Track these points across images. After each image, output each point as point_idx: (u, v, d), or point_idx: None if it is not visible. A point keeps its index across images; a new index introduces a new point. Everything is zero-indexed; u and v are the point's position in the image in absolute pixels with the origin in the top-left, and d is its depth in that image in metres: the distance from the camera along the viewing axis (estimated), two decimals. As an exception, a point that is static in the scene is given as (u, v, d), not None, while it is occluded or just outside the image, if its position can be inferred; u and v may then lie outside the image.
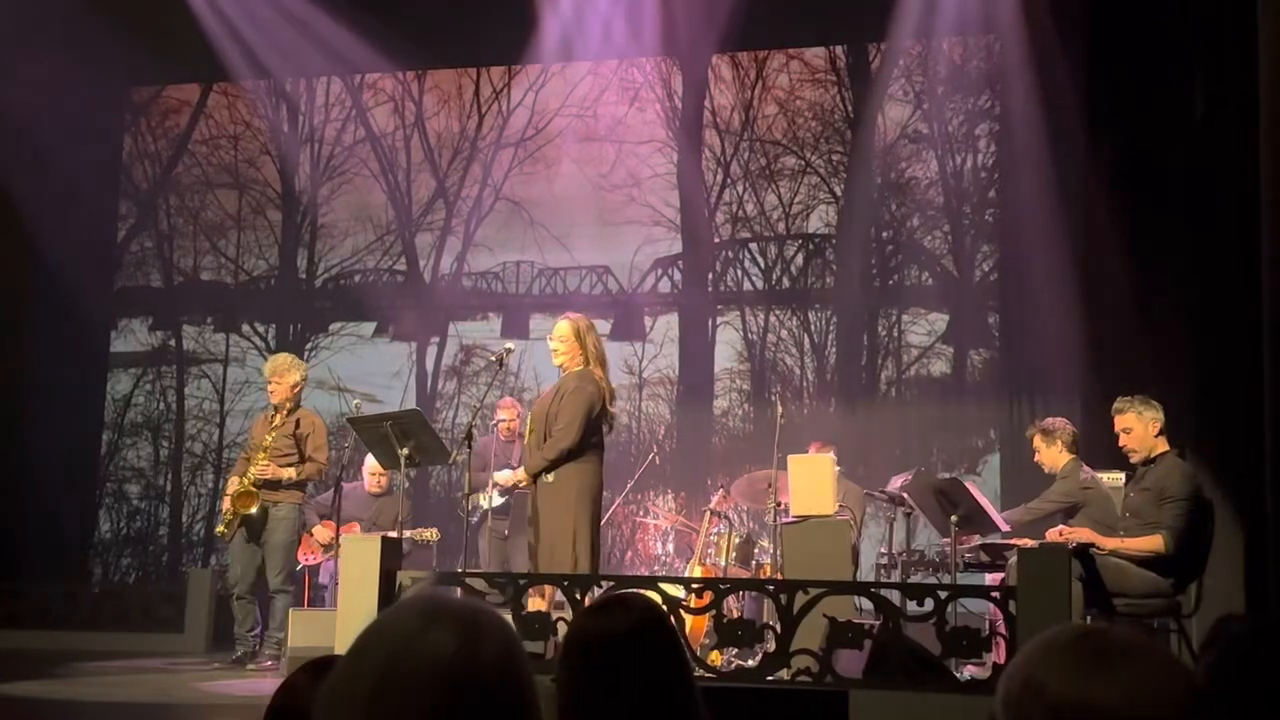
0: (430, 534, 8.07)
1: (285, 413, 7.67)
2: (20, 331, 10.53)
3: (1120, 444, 6.20)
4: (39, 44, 10.03)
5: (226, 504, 7.65)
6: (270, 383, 7.74)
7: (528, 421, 6.71)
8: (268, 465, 7.54)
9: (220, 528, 7.75)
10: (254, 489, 7.52)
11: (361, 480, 8.73)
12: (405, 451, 6.82)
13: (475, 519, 7.88)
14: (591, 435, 6.32)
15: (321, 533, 8.25)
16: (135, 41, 10.24)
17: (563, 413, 6.24)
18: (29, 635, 8.88)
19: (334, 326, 11.32)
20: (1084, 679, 1.19)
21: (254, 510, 7.51)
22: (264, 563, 7.63)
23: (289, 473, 7.59)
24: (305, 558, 8.22)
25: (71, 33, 10.00)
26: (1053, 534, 6.15)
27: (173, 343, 11.50)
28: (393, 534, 7.39)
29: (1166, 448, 6.13)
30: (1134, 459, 6.21)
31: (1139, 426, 6.10)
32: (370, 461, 8.28)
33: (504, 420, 8.37)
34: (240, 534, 7.60)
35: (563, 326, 6.49)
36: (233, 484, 7.70)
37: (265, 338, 11.32)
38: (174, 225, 11.69)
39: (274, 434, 7.61)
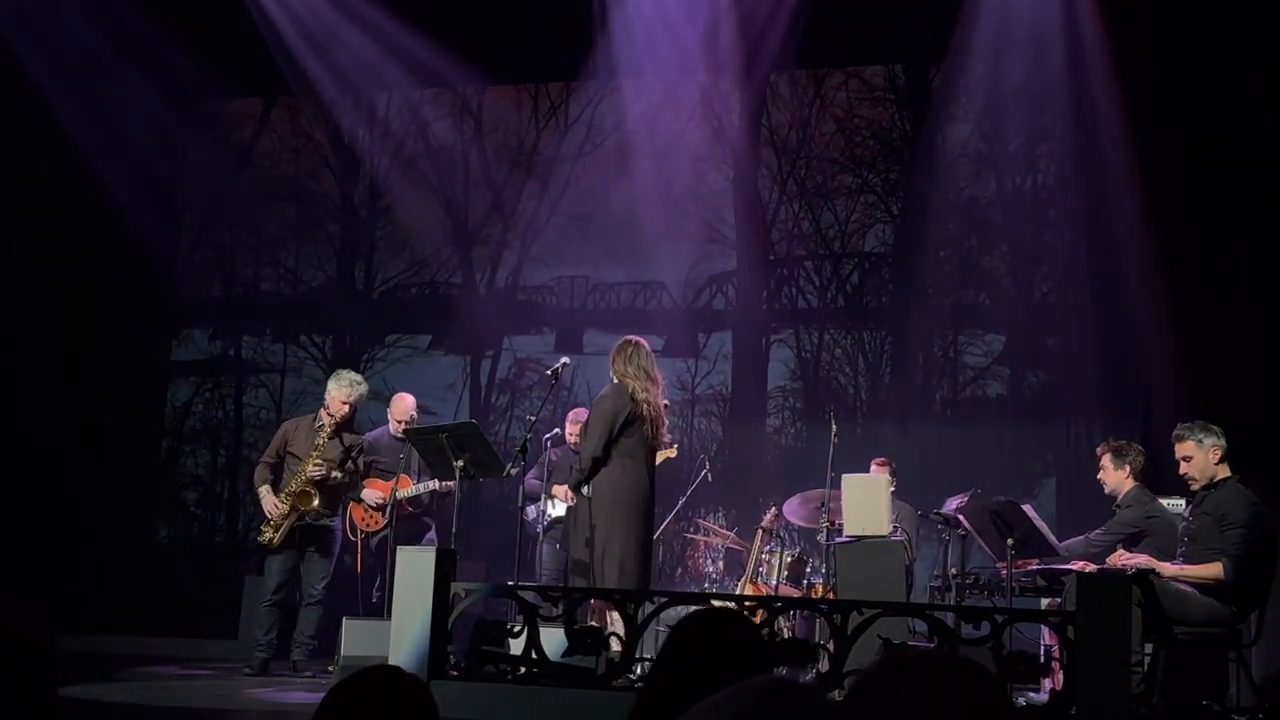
0: (451, 483, 7.89)
1: (335, 426, 7.74)
2: (85, 339, 10.70)
3: (1181, 471, 6.11)
4: (102, 57, 10.23)
5: (274, 509, 7.65)
6: (351, 406, 7.76)
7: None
8: (321, 465, 7.59)
9: (269, 535, 7.64)
10: (310, 489, 7.57)
11: (384, 426, 8.50)
12: (460, 464, 6.87)
13: (544, 526, 7.91)
14: (622, 443, 6.42)
15: (371, 495, 8.05)
16: (200, 55, 10.41)
17: (588, 425, 6.46)
18: (87, 639, 9.00)
19: (389, 338, 11.42)
20: None
21: (315, 504, 7.56)
22: (305, 574, 7.70)
23: (338, 473, 7.69)
24: (366, 525, 8.17)
25: (135, 45, 10.18)
26: (1114, 559, 6.07)
27: (232, 352, 11.65)
28: (423, 486, 7.65)
29: (1228, 473, 6.03)
30: (1194, 486, 6.11)
31: (1199, 454, 6.01)
32: (396, 404, 8.28)
33: (572, 434, 8.38)
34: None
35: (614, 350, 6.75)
36: (266, 492, 7.73)
37: (323, 349, 11.44)
38: (235, 236, 11.84)
39: (322, 440, 7.68)
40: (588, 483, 6.43)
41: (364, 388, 7.89)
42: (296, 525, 7.62)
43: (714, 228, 10.77)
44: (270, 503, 7.65)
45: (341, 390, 7.76)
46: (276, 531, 7.61)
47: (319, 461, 7.57)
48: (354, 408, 7.77)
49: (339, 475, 7.69)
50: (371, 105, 11.55)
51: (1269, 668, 6.68)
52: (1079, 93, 9.16)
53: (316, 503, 7.56)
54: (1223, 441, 6.02)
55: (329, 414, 7.72)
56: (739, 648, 2.11)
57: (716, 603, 5.99)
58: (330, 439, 7.67)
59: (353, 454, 7.81)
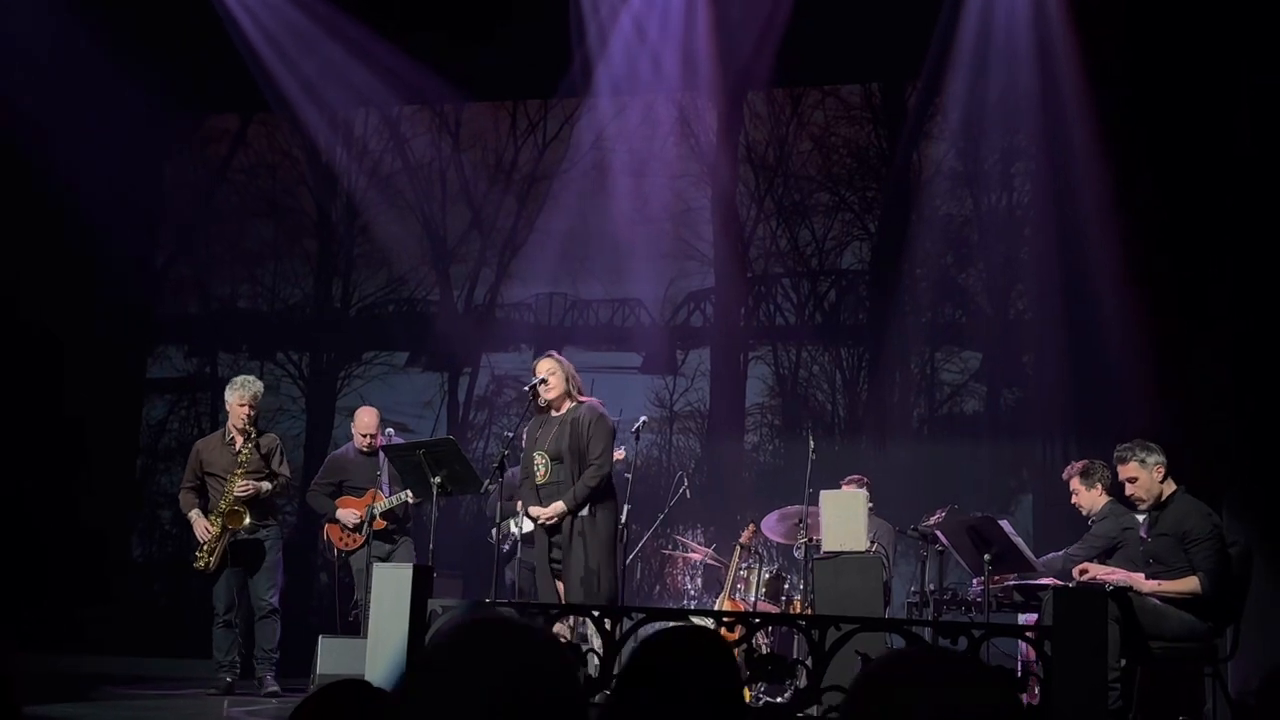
0: (408, 494, 7.76)
1: (247, 435, 7.71)
2: (59, 355, 10.62)
3: (1127, 493, 6.13)
4: (80, 71, 10.18)
5: (205, 533, 7.59)
6: (251, 408, 7.77)
7: (535, 460, 6.71)
8: (248, 483, 7.57)
9: (204, 560, 7.59)
10: (240, 508, 7.55)
11: (350, 443, 8.47)
12: (438, 480, 6.85)
13: (506, 547, 7.84)
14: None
15: (347, 515, 8.02)
16: (176, 71, 10.38)
17: (594, 443, 6.42)
18: (61, 659, 8.92)
19: (367, 355, 11.37)
20: None
21: (246, 523, 7.53)
22: (253, 587, 7.65)
23: (266, 485, 7.69)
24: (345, 545, 8.11)
25: (113, 60, 10.14)
26: (1077, 570, 6.08)
27: (208, 369, 11.58)
28: (395, 499, 7.74)
29: (1173, 488, 6.05)
30: (1142, 507, 6.15)
31: (1143, 475, 6.01)
32: (358, 418, 8.26)
33: None
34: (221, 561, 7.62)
35: (549, 363, 6.69)
36: (196, 516, 7.67)
37: (299, 366, 11.39)
38: (212, 253, 11.79)
39: (245, 454, 7.64)
40: (594, 501, 6.43)
41: (257, 385, 7.91)
42: (231, 542, 7.59)
43: (692, 245, 10.79)
44: (201, 527, 7.62)
45: (234, 394, 7.80)
46: (211, 555, 7.58)
47: (245, 482, 7.56)
48: (253, 407, 7.78)
49: (268, 488, 7.69)
50: (349, 122, 11.53)
51: (1245, 683, 6.72)
52: (1054, 111, 9.23)
53: (248, 520, 7.55)
54: (1164, 458, 6.02)
55: (234, 424, 7.72)
56: (709, 665, 2.10)
57: (695, 619, 5.97)
58: (247, 448, 7.65)
59: (272, 461, 7.79)
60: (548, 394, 6.65)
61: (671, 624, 4.99)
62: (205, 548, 7.59)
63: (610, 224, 10.61)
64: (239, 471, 7.60)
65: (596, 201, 10.73)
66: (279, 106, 10.84)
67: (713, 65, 10.17)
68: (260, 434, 7.86)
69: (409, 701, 1.30)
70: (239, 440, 7.70)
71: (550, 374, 6.64)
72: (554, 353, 6.87)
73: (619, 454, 7.56)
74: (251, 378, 8.00)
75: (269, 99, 10.70)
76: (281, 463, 7.88)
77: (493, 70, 10.41)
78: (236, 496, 7.55)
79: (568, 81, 10.36)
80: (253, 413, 7.76)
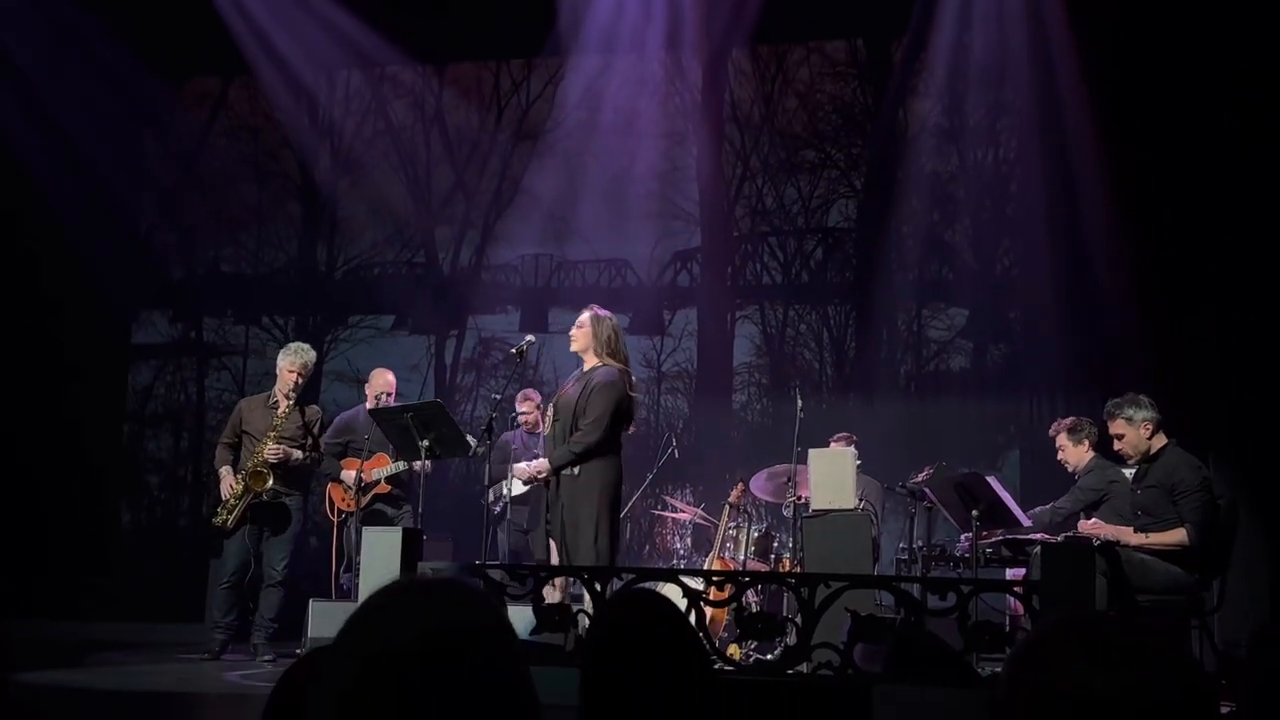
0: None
1: (292, 401, 7.70)
2: (43, 323, 10.56)
3: (1115, 449, 6.16)
4: (60, 37, 10.07)
5: (228, 490, 7.59)
6: (300, 375, 7.73)
7: (549, 413, 6.72)
8: (279, 447, 7.55)
9: (222, 517, 7.57)
10: (264, 469, 7.52)
11: (360, 404, 8.41)
12: (425, 443, 6.83)
13: (499, 509, 7.81)
14: (617, 431, 6.36)
15: (351, 475, 7.95)
16: (156, 34, 10.26)
17: (591, 407, 6.28)
18: (50, 624, 8.92)
19: (352, 319, 11.33)
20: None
21: (269, 485, 7.50)
22: (267, 553, 7.64)
23: (297, 453, 7.65)
24: (347, 505, 8.08)
25: (93, 25, 10.03)
26: (1086, 526, 6.11)
27: (193, 334, 11.53)
28: (403, 464, 7.59)
29: (1164, 441, 6.07)
30: (1131, 462, 6.18)
31: (1131, 431, 6.04)
32: (376, 378, 8.19)
33: (524, 414, 8.34)
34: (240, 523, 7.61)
35: (585, 314, 6.61)
36: (225, 473, 7.68)
37: (285, 330, 11.33)
38: (195, 218, 11.71)
39: (281, 420, 7.63)
40: (579, 464, 6.34)
41: (310, 354, 7.85)
42: (253, 504, 7.57)
43: (678, 204, 10.75)
44: (227, 484, 7.61)
45: (287, 359, 7.76)
46: (230, 514, 7.56)
47: (275, 446, 7.54)
48: (303, 375, 7.75)
49: (299, 456, 7.66)
50: (331, 84, 11.42)
51: (1232, 635, 6.77)
52: (1039, 65, 9.19)
53: (270, 483, 7.52)
54: (1154, 413, 6.03)
55: (280, 389, 7.70)
56: (664, 627, 2.11)
57: (685, 578, 5.97)
58: (289, 412, 7.63)
59: (312, 429, 7.77)
60: (572, 345, 6.60)
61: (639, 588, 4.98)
62: (226, 505, 7.58)
63: (596, 184, 10.55)
64: (272, 434, 7.59)
65: (581, 162, 10.66)
66: (260, 68, 10.73)
67: (696, 23, 10.10)
68: (307, 404, 7.84)
69: (335, 661, 1.26)
70: (282, 404, 7.69)
71: (579, 326, 6.55)
72: (596, 306, 6.73)
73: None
74: (306, 345, 7.94)
75: (250, 61, 10.59)
76: (320, 435, 7.86)
77: (475, 30, 10.32)
78: (265, 459, 7.54)
79: (551, 41, 10.27)
80: (301, 380, 7.75)
